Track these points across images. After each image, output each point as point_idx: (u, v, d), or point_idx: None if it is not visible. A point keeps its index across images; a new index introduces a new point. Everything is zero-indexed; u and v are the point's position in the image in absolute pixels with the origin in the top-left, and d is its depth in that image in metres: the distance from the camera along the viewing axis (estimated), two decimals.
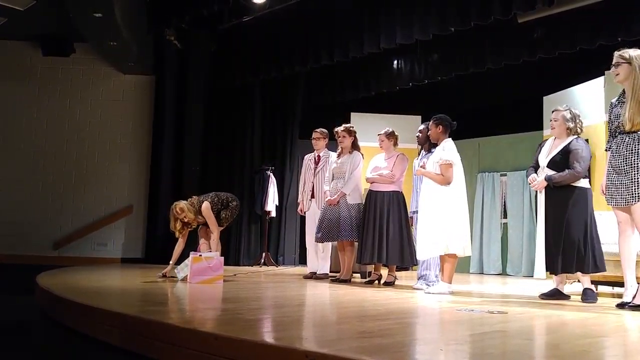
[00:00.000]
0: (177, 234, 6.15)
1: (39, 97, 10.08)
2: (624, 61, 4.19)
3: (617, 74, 4.23)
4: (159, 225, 9.50)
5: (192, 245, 6.54)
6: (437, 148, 5.48)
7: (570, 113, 4.97)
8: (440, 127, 5.45)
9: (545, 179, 4.81)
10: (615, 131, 4.28)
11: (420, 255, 5.46)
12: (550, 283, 5.26)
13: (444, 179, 5.25)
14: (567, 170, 4.77)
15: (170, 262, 6.11)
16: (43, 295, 4.42)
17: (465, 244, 5.25)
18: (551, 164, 4.88)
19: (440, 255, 5.32)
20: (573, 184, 4.79)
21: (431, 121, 5.56)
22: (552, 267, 4.85)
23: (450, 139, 5.50)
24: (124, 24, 8.25)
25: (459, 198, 5.29)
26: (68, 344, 3.62)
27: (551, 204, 4.86)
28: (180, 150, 9.67)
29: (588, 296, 4.76)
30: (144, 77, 10.14)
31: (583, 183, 4.83)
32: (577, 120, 4.97)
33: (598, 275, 5.58)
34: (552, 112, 5.10)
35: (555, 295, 4.90)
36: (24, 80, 10.05)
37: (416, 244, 5.55)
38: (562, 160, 4.84)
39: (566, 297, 4.88)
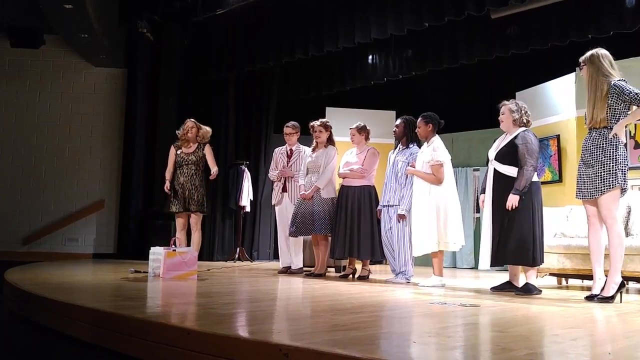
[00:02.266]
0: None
1: (7, 90, 9.86)
2: (584, 63, 4.38)
3: (582, 75, 4.44)
4: (131, 220, 9.42)
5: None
6: (427, 147, 5.60)
7: (516, 105, 5.00)
8: (430, 125, 5.61)
9: (514, 194, 4.69)
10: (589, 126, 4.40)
11: (416, 251, 5.54)
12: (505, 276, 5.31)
13: (436, 179, 5.41)
14: (521, 171, 4.72)
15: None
16: (11, 291, 4.33)
17: (454, 239, 5.40)
18: (499, 157, 4.91)
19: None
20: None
21: (420, 119, 5.69)
22: (495, 261, 4.86)
23: (438, 136, 5.64)
24: (95, 16, 8.11)
25: (449, 195, 5.44)
26: (38, 342, 3.56)
27: (497, 197, 4.85)
28: (153, 145, 9.57)
29: (526, 291, 4.77)
30: (115, 70, 9.99)
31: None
32: (523, 112, 4.97)
33: (568, 269, 5.69)
34: (500, 107, 5.09)
35: (506, 288, 4.95)
36: None
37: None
38: (509, 153, 4.85)
39: (517, 289, 4.88)
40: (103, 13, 8.46)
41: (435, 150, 5.49)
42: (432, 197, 5.41)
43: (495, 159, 4.95)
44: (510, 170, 4.82)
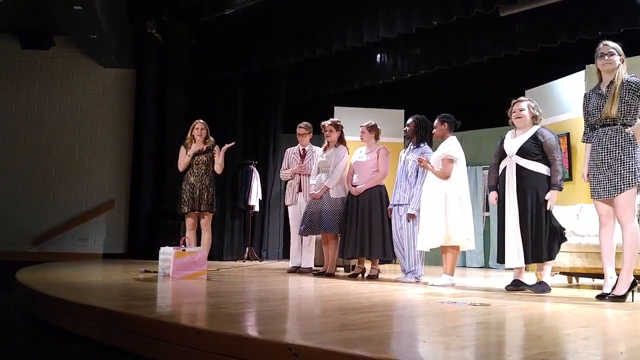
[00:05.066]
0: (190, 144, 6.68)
1: (18, 91, 9.94)
2: (616, 53, 4.24)
3: (609, 63, 4.24)
4: (140, 220, 9.45)
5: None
6: (442, 144, 5.61)
7: (533, 102, 5.07)
8: (446, 124, 5.62)
9: (555, 190, 4.75)
10: (595, 124, 4.32)
11: (420, 245, 5.54)
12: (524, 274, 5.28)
13: (442, 173, 5.41)
14: (554, 167, 4.80)
15: None
16: (23, 291, 4.36)
17: (466, 237, 5.38)
18: (521, 153, 4.88)
19: (442, 248, 5.43)
20: (542, 173, 4.82)
21: (436, 119, 5.67)
22: (531, 258, 4.84)
23: (454, 136, 5.64)
24: (104, 17, 8.15)
25: (461, 193, 5.42)
26: (49, 341, 3.58)
27: (522, 193, 4.84)
28: (162, 144, 9.59)
29: (540, 288, 4.81)
30: (124, 70, 10.04)
31: (549, 172, 4.86)
32: (539, 109, 5.06)
33: (579, 267, 5.66)
34: (514, 104, 5.08)
35: (520, 285, 4.94)
36: (1, 74, 9.90)
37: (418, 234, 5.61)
38: (532, 149, 4.85)
39: (528, 286, 4.91)
40: (112, 14, 8.50)
41: (449, 146, 5.51)
42: (442, 193, 5.39)
43: (517, 154, 4.90)
44: (534, 166, 4.83)
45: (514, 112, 5.05)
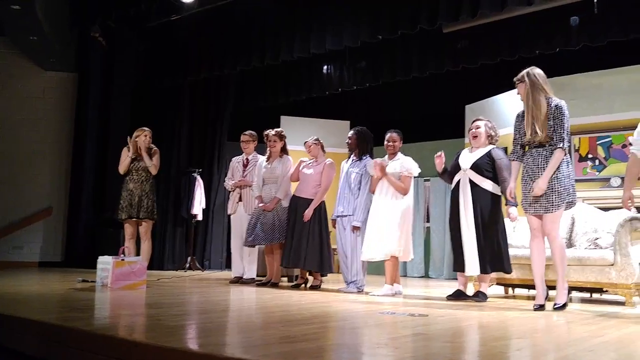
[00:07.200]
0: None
1: None
2: (519, 81, 4.53)
3: (518, 94, 4.57)
4: (80, 228, 9.21)
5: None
6: (395, 161, 5.71)
7: (491, 123, 5.37)
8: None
9: (512, 207, 5.02)
10: (528, 143, 4.50)
11: (365, 255, 5.60)
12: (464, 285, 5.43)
13: (403, 189, 5.57)
14: (505, 184, 5.00)
15: None
16: None
17: (406, 248, 5.53)
18: (475, 167, 5.16)
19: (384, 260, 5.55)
20: (491, 191, 5.11)
21: (396, 134, 5.82)
22: (482, 268, 5.06)
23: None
24: (45, 18, 7.93)
25: (409, 206, 5.60)
26: None
27: (475, 208, 5.09)
28: (104, 151, 9.39)
29: (480, 297, 5.09)
30: (66, 74, 9.78)
31: (498, 190, 5.15)
32: (495, 130, 5.36)
33: (515, 278, 5.85)
34: (473, 122, 5.40)
35: (461, 296, 5.16)
36: None
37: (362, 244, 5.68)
38: (485, 164, 5.14)
39: (468, 297, 5.14)
40: (54, 15, 8.28)
41: (410, 162, 5.68)
42: (394, 206, 5.53)
43: (470, 169, 5.16)
44: (485, 184, 5.12)
45: (471, 130, 5.36)
